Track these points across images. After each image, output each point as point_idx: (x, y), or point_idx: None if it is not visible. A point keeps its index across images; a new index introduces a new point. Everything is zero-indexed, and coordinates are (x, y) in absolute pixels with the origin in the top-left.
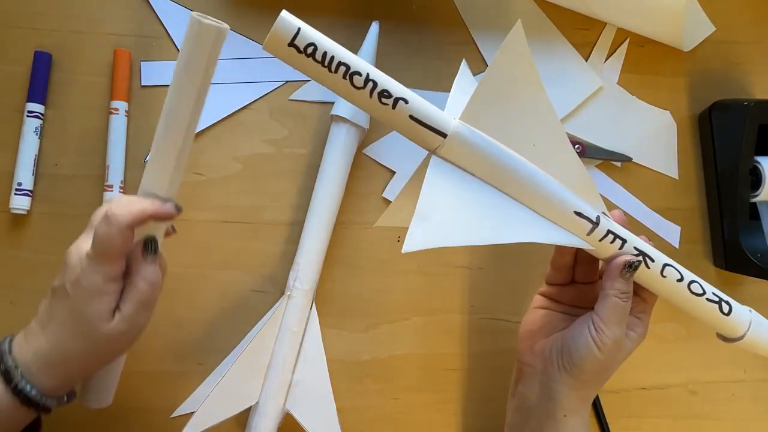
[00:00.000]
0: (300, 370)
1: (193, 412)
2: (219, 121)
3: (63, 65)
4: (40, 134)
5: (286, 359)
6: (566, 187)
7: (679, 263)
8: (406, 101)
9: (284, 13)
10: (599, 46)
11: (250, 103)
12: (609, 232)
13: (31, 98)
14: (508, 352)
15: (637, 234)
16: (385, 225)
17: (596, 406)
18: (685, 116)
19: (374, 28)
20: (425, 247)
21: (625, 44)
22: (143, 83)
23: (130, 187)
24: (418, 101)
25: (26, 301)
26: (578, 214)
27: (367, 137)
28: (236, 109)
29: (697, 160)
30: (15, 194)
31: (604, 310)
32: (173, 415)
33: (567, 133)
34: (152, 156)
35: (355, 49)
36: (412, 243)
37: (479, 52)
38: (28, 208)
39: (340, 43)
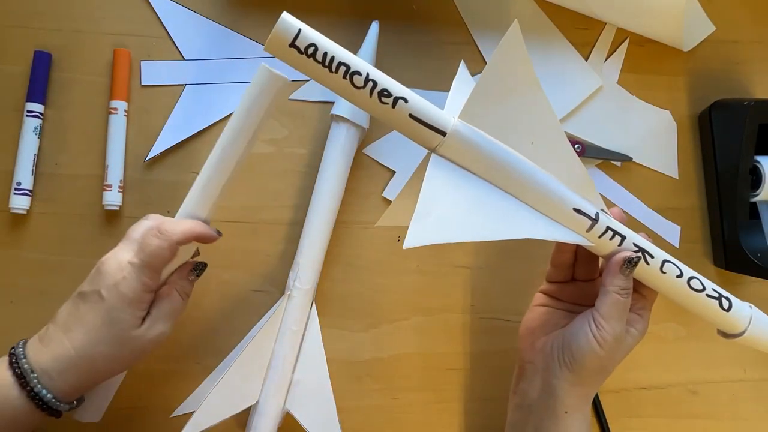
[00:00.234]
0: (300, 370)
1: (193, 412)
2: (219, 121)
3: (63, 65)
4: (40, 134)
5: (286, 359)
6: (565, 184)
7: None
8: (405, 100)
9: (285, 15)
10: (599, 45)
11: None
12: (608, 228)
13: (30, 98)
14: (508, 351)
15: (637, 233)
16: (386, 225)
17: (596, 406)
18: (685, 116)
19: (374, 28)
20: (426, 243)
21: (625, 44)
22: (143, 83)
23: (129, 187)
24: (418, 100)
25: (26, 301)
26: (577, 210)
27: (367, 137)
28: None
29: (697, 159)
30: (14, 194)
31: (604, 306)
32: (173, 415)
33: (567, 133)
34: (200, 182)
35: (355, 49)
36: (413, 239)
37: (479, 52)
38: (27, 208)
39: (340, 43)
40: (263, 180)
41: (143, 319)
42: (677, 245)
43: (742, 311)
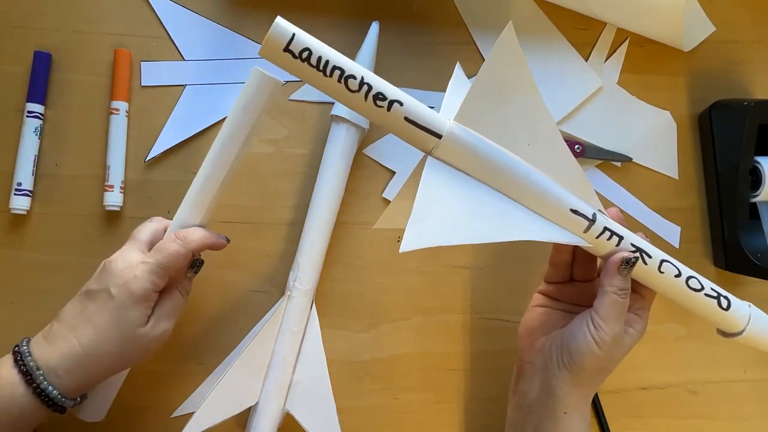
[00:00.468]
0: (300, 370)
1: (193, 412)
2: (219, 121)
3: (63, 65)
4: (40, 134)
5: (286, 359)
6: (562, 185)
7: None
8: (401, 103)
9: (279, 19)
10: (599, 46)
11: None
12: (605, 229)
13: (31, 98)
14: (508, 351)
15: (635, 232)
16: (384, 227)
17: (596, 406)
18: (685, 116)
19: (374, 28)
20: (422, 246)
21: (625, 44)
22: (143, 83)
23: (130, 187)
24: (413, 103)
25: (26, 301)
26: (574, 211)
27: (367, 137)
28: None
29: (697, 160)
30: (15, 194)
31: (602, 307)
32: (173, 415)
33: (567, 134)
34: (197, 185)
35: (355, 50)
36: (410, 243)
37: (479, 52)
38: (27, 208)
39: (340, 44)
40: (263, 180)
41: (148, 318)
42: (677, 246)
43: (741, 310)
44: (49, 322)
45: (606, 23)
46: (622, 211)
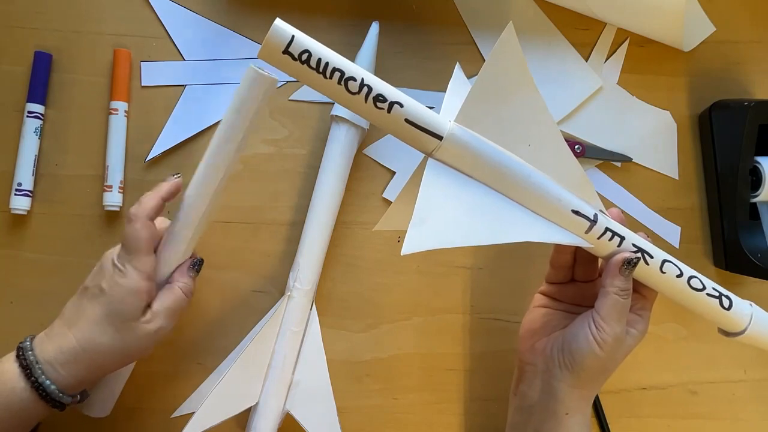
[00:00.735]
0: (300, 370)
1: (193, 412)
2: (219, 122)
3: (63, 65)
4: (40, 134)
5: (286, 359)
6: (563, 185)
7: None
8: (401, 105)
9: (278, 21)
10: (599, 46)
11: None
12: (607, 229)
13: (31, 98)
14: (508, 352)
15: (636, 232)
16: (384, 229)
17: (596, 406)
18: (685, 116)
19: (374, 28)
20: (423, 249)
21: (625, 44)
22: (143, 83)
23: (129, 187)
24: (413, 105)
25: (26, 301)
26: (576, 212)
27: (367, 137)
28: None
29: (697, 160)
30: (15, 194)
31: (604, 307)
32: (173, 415)
33: (567, 134)
34: (195, 185)
35: (355, 50)
36: (411, 245)
37: (479, 52)
38: (28, 209)
39: (341, 44)
40: (263, 180)
41: (145, 312)
42: (677, 246)
43: (743, 309)
44: (50, 321)
45: (606, 23)
46: (622, 212)
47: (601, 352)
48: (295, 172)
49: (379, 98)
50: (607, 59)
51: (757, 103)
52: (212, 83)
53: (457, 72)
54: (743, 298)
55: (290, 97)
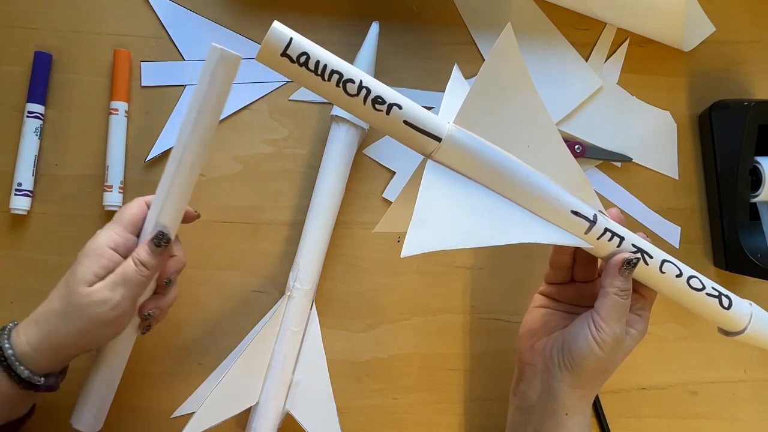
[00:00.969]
0: (300, 370)
1: (193, 412)
2: (219, 121)
3: (63, 65)
4: (40, 134)
5: (286, 359)
6: (562, 186)
7: None
8: (399, 107)
9: (276, 24)
10: (599, 46)
11: (250, 103)
12: (606, 230)
13: (31, 98)
14: (508, 352)
15: (635, 232)
16: (384, 230)
17: (596, 406)
18: (685, 116)
19: (374, 28)
20: (423, 251)
21: (625, 44)
22: (143, 83)
23: (129, 187)
24: (412, 106)
25: (26, 301)
26: (575, 213)
27: (367, 137)
28: (236, 110)
29: (697, 160)
30: (15, 194)
31: (603, 307)
32: (173, 415)
33: (567, 134)
34: (167, 179)
35: (355, 50)
36: (411, 247)
37: (479, 52)
38: (28, 209)
39: (341, 44)
40: (263, 180)
41: (98, 280)
42: (677, 246)
43: (743, 309)
44: None
45: (606, 23)
46: (622, 212)
47: (600, 353)
48: (295, 172)
49: (378, 100)
50: (607, 59)
51: (757, 103)
52: None
53: (456, 73)
54: (743, 298)
55: (290, 97)
